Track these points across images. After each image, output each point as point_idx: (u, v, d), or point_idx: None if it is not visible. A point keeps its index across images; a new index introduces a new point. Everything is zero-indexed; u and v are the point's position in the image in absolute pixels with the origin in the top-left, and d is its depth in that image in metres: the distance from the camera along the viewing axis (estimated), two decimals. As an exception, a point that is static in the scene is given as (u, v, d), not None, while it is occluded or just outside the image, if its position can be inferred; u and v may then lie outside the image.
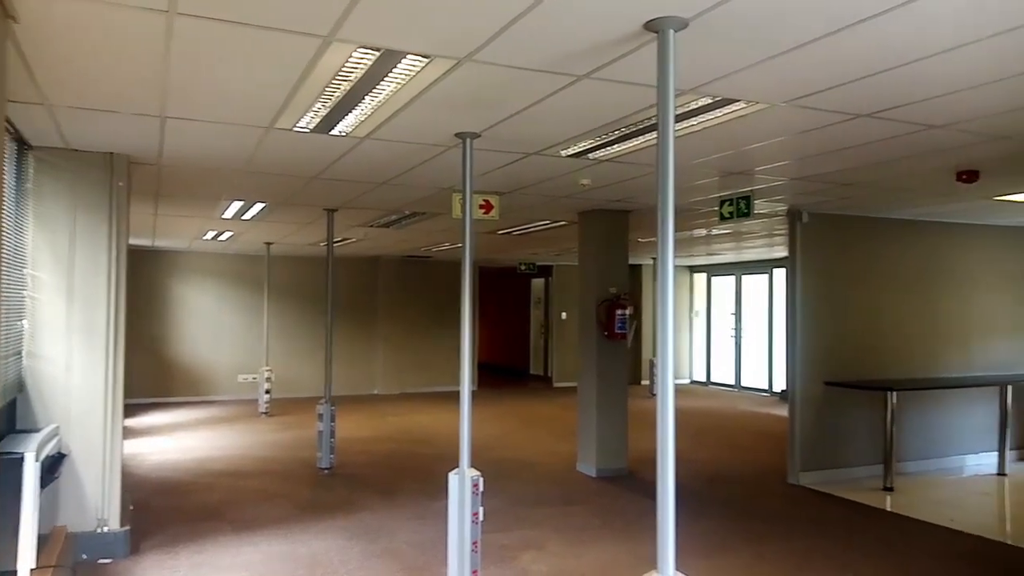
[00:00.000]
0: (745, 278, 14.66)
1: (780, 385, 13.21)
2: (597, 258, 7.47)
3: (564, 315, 15.51)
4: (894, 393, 6.86)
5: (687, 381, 15.99)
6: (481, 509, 4.19)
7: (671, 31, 2.58)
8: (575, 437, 7.75)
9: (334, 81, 3.36)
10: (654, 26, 2.59)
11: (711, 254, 13.40)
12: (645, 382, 15.18)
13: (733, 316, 14.92)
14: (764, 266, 13.89)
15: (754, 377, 14.37)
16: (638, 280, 15.38)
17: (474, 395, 14.11)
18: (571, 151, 4.70)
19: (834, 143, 4.41)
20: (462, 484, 4.15)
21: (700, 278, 15.95)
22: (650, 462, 7.97)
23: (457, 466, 4.18)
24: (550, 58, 3.00)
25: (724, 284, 15.31)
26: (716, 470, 7.66)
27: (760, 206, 6.85)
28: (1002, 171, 5.14)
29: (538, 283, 16.76)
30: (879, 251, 7.58)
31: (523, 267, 14.79)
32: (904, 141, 4.28)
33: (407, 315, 14.20)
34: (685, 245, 11.70)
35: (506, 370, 17.86)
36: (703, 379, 15.75)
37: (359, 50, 2.96)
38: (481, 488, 4.19)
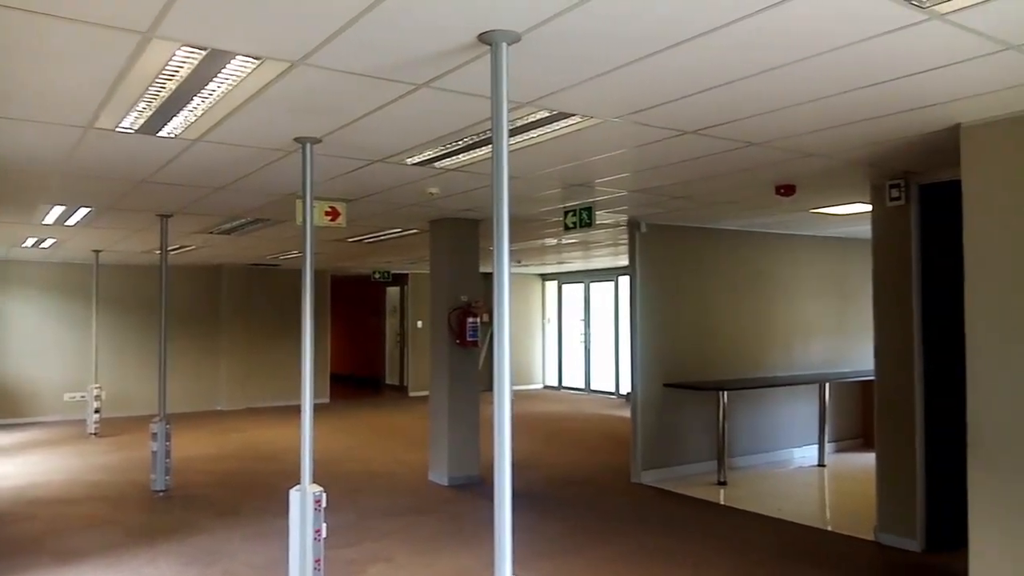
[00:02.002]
0: (593, 286, 15.18)
1: (626, 388, 13.75)
2: (448, 266, 7.49)
3: (420, 324, 15.42)
4: (725, 393, 7.31)
5: (540, 386, 16.33)
6: (324, 525, 4.08)
7: (504, 44, 2.63)
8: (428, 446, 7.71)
9: (158, 80, 3.18)
10: (487, 38, 2.63)
11: (561, 263, 13.78)
12: (500, 389, 15.34)
13: (582, 322, 15.40)
14: (610, 274, 14.43)
15: (603, 380, 14.88)
16: (492, 288, 15.54)
17: (326, 407, 13.72)
18: (416, 159, 4.69)
19: (665, 158, 4.65)
20: (303, 500, 4.02)
21: (551, 286, 16.35)
22: (502, 468, 8.04)
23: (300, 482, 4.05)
24: (388, 65, 2.98)
25: (574, 292, 15.78)
26: (565, 472, 7.85)
27: (602, 217, 7.11)
28: (815, 186, 5.60)
29: (393, 291, 16.59)
30: (712, 260, 8.06)
31: (377, 275, 14.59)
32: (727, 157, 4.58)
33: (253, 326, 13.62)
34: (537, 254, 11.96)
35: (361, 381, 17.53)
36: (555, 384, 16.14)
37: (183, 49, 2.82)
38: (324, 504, 4.08)
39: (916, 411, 5.23)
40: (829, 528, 5.91)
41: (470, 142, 4.26)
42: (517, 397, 14.47)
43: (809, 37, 2.68)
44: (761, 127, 3.89)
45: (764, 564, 4.98)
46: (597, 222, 7.37)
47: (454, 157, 4.62)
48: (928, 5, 2.43)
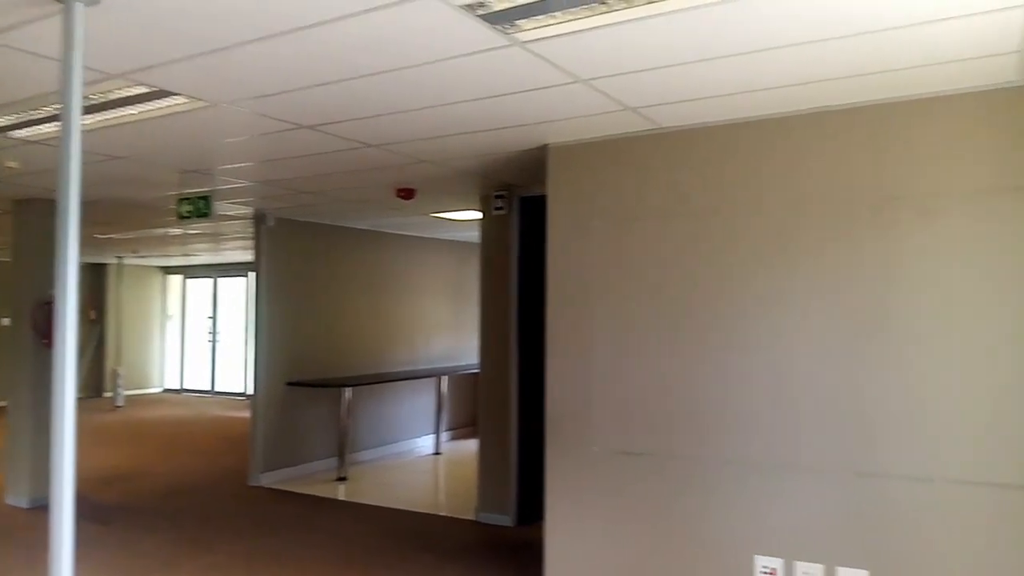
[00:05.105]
0: (222, 280, 14.38)
1: (256, 388, 13.26)
2: (36, 255, 6.50)
3: (7, 321, 13.19)
4: (349, 389, 7.40)
5: (159, 389, 15.00)
6: None
7: (79, 4, 2.33)
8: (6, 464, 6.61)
9: None
10: (58, -6, 2.32)
11: (188, 255, 12.80)
12: (109, 394, 13.79)
13: (210, 320, 14.50)
14: (242, 269, 13.80)
15: (231, 381, 14.17)
16: (102, 281, 13.89)
17: None
18: (-17, 126, 3.98)
19: (285, 151, 4.55)
20: None
21: (175, 280, 15.12)
22: (108, 482, 7.24)
23: None
24: (-74, 7, 2.47)
25: (201, 286, 14.79)
26: (177, 481, 7.29)
27: (224, 207, 6.75)
28: (432, 192, 5.92)
29: (-30, 282, 13.96)
30: (340, 258, 8.11)
31: (-53, 262, 12.14)
32: (346, 156, 4.63)
33: None
34: (157, 244, 10.96)
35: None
36: (177, 386, 14.96)
37: None
38: None
39: (511, 402, 5.81)
40: (437, 512, 6.29)
41: (54, 112, 3.73)
42: (130, 403, 13.13)
43: (403, 48, 2.80)
44: (374, 129, 3.99)
45: (373, 552, 5.12)
46: (218, 213, 7.01)
47: (35, 127, 4.01)
48: (511, 32, 2.69)
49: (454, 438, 9.34)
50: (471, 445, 8.79)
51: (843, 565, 3.38)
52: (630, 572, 3.87)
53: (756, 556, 3.57)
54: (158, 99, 3.53)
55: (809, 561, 3.46)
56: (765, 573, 3.56)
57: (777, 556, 3.53)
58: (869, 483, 3.35)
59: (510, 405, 5.80)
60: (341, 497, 6.74)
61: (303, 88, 3.31)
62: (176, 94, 3.45)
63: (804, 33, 2.67)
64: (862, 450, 3.37)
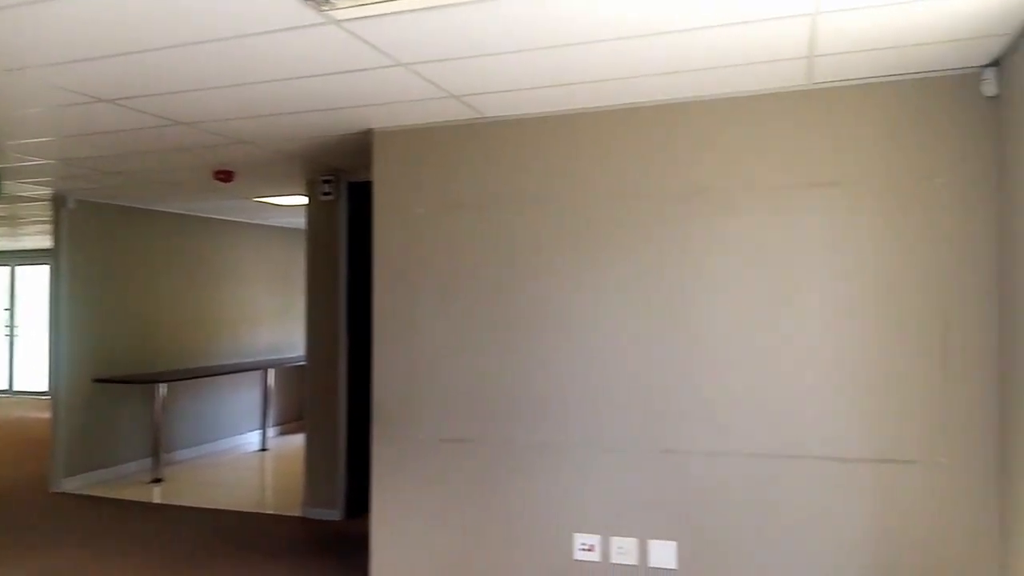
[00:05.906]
0: (22, 269, 13.08)
1: (62, 386, 12.18)
2: None
3: None
4: (164, 385, 6.94)
5: (-55, 390, 13.45)
6: None
7: None
8: None
9: None
10: None
11: (-23, 240, 11.54)
12: None
13: (7, 312, 13.16)
14: (44, 256, 12.60)
15: (32, 379, 12.94)
16: None
17: None
18: None
19: (84, 126, 4.17)
20: None
21: (-36, 268, 13.59)
22: None
23: None
24: None
25: (-4, 275, 13.39)
26: (-38, 491, 6.56)
27: (18, 187, 6.12)
28: (255, 175, 5.65)
29: None
30: (154, 244, 7.57)
31: None
32: (153, 133, 4.30)
33: None
34: (-60, 228, 9.80)
35: None
36: (-33, 387, 13.49)
37: None
38: None
39: (340, 394, 5.68)
40: (261, 511, 6.03)
41: None
42: (-93, 405, 11.68)
43: (206, 19, 2.61)
44: (182, 106, 3.73)
45: (191, 555, 4.84)
46: (11, 193, 6.37)
47: None
48: (326, 9, 2.59)
49: (282, 433, 9.01)
50: (300, 439, 8.51)
51: (654, 538, 3.57)
52: (455, 557, 3.90)
53: (575, 534, 3.69)
54: (-77, 62, 3.12)
55: (624, 536, 3.62)
56: (584, 549, 3.69)
57: (595, 533, 3.67)
58: (673, 460, 3.55)
59: (338, 397, 5.67)
60: (156, 500, 6.31)
61: (98, 58, 3.03)
62: (-55, 57, 3.06)
63: (611, 31, 2.76)
64: (666, 429, 3.56)
